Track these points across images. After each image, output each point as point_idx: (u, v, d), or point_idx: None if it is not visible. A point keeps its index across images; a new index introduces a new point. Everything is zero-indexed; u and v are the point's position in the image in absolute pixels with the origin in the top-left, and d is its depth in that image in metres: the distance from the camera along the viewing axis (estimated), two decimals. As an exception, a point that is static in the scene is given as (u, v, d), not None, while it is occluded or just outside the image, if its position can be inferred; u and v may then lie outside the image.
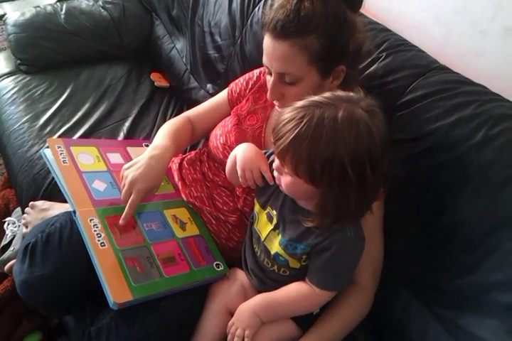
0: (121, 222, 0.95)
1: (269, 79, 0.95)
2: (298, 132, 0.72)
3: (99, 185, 1.04)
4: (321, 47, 0.87)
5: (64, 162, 1.05)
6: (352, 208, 0.78)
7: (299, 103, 0.76)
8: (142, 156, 0.99)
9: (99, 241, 0.91)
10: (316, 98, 0.76)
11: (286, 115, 0.75)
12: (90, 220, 0.94)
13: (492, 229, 0.86)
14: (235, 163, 0.93)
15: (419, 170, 0.98)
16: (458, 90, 0.98)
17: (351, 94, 0.77)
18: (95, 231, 0.93)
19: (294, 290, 0.88)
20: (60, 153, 1.06)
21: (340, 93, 0.77)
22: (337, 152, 0.71)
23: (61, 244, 0.94)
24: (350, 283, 0.91)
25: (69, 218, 0.98)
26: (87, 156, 1.10)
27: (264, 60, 0.93)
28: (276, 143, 0.76)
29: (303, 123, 0.72)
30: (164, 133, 1.10)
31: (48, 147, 1.09)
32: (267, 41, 0.90)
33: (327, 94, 0.76)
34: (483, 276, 0.86)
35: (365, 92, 0.78)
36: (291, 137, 0.72)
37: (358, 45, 0.92)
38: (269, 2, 0.92)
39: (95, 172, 1.07)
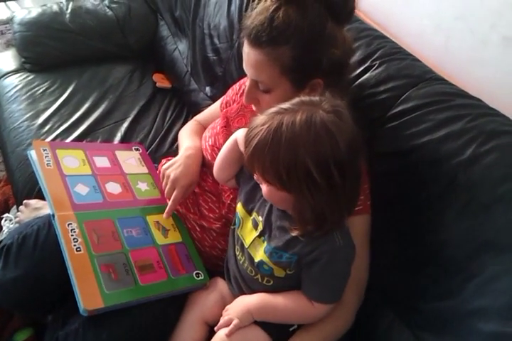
0: (164, 215, 1.04)
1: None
2: (259, 139, 0.73)
3: (81, 189, 1.03)
4: (292, 60, 0.85)
5: (48, 165, 1.05)
6: (328, 214, 0.76)
7: (268, 110, 0.76)
8: (179, 157, 1.08)
9: (75, 245, 0.91)
10: (282, 105, 0.76)
11: (254, 122, 0.76)
12: (68, 224, 0.94)
13: (475, 252, 0.82)
14: (231, 149, 0.92)
15: (405, 185, 0.94)
16: (450, 103, 0.94)
17: (316, 97, 0.76)
18: (72, 235, 0.92)
19: (294, 300, 0.85)
20: (45, 156, 1.06)
21: (304, 98, 0.77)
22: (298, 156, 0.70)
23: (36, 246, 0.94)
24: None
25: (48, 221, 0.98)
26: (72, 159, 1.10)
27: (243, 64, 0.92)
28: (245, 150, 0.77)
29: (263, 130, 0.72)
30: (190, 136, 1.18)
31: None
32: (245, 46, 0.89)
33: (294, 100, 0.76)
34: (464, 302, 0.82)
35: (334, 94, 0.77)
36: (254, 144, 0.73)
37: (334, 61, 0.87)
38: (252, 5, 0.90)
39: (79, 176, 1.06)
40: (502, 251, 0.79)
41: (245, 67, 0.91)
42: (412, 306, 0.93)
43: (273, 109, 0.76)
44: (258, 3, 0.89)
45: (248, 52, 0.88)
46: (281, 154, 0.71)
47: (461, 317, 0.83)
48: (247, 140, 0.76)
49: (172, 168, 1.05)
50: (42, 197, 1.28)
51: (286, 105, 0.75)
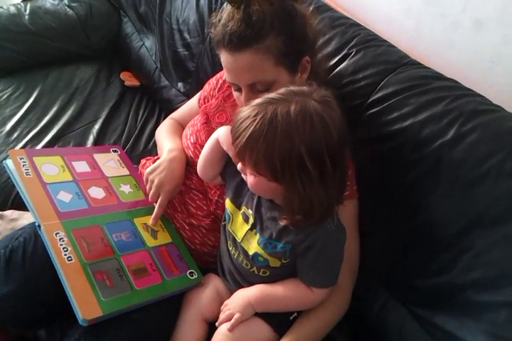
0: (151, 221, 1.02)
1: (239, 95, 0.93)
2: (253, 130, 0.72)
3: (64, 196, 1.00)
4: (282, 45, 0.86)
5: (27, 174, 1.01)
6: (317, 203, 0.76)
7: (255, 101, 0.76)
8: (162, 160, 1.05)
9: (65, 255, 0.88)
10: (270, 95, 0.76)
11: (241, 114, 0.75)
12: (56, 234, 0.91)
13: (465, 227, 0.85)
14: (213, 148, 0.91)
15: (391, 168, 0.96)
16: (429, 86, 0.96)
17: (304, 87, 0.77)
18: (61, 245, 0.89)
19: (293, 288, 0.86)
20: (23, 165, 1.02)
21: (293, 88, 0.77)
22: (294, 145, 0.71)
23: (25, 260, 0.90)
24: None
25: (33, 231, 0.95)
26: (51, 166, 1.06)
27: (228, 77, 0.91)
28: (234, 142, 0.76)
29: (257, 121, 0.72)
30: (169, 136, 1.16)
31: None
32: (227, 58, 0.88)
33: (281, 90, 0.77)
34: (458, 275, 0.86)
35: (319, 84, 0.78)
36: (247, 135, 0.72)
37: (315, 32, 0.93)
38: (212, 21, 0.89)
39: (60, 183, 1.03)
40: (490, 225, 0.83)
41: (236, 76, 0.90)
42: (406, 284, 0.95)
43: (260, 100, 0.75)
44: (216, 18, 0.89)
45: (235, 60, 0.87)
46: (276, 144, 0.71)
47: (455, 291, 0.86)
48: (236, 132, 0.75)
49: (156, 172, 1.03)
50: (16, 208, 1.24)
51: (274, 95, 0.75)
